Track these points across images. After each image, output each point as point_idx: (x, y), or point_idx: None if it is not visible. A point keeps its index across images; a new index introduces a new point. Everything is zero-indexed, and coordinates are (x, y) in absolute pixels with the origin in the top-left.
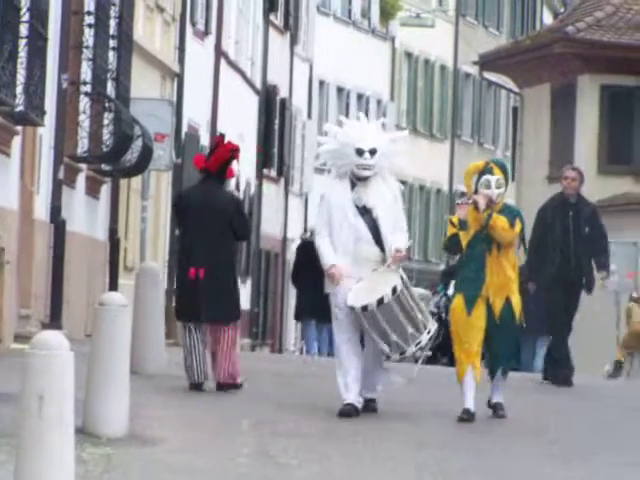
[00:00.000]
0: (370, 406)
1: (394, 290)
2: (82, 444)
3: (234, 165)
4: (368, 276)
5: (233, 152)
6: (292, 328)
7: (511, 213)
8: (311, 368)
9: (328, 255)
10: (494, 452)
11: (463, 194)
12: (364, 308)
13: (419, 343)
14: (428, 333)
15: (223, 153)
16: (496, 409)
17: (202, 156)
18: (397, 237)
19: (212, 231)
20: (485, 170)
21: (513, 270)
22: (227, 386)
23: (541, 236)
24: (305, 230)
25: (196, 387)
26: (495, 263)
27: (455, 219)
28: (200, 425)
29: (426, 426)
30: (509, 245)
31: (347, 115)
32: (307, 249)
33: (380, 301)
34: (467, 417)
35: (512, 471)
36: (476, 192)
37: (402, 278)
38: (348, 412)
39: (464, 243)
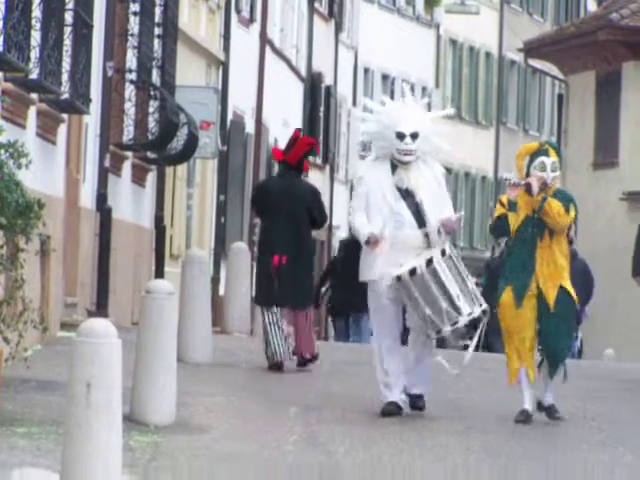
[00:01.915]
0: (417, 403)
1: (443, 252)
2: (129, 432)
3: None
4: (412, 258)
5: (312, 146)
6: None
7: (565, 198)
8: (357, 355)
9: (363, 226)
10: (540, 438)
11: (506, 180)
12: (412, 272)
13: (471, 313)
14: (469, 315)
15: (302, 146)
16: (551, 412)
17: (279, 150)
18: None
19: (293, 220)
20: (540, 152)
21: (565, 259)
22: (309, 361)
23: None
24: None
25: (276, 367)
26: (546, 251)
27: (504, 199)
28: (247, 412)
29: (472, 412)
30: (562, 231)
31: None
32: (345, 249)
33: (429, 262)
34: (524, 419)
35: (559, 456)
36: (527, 175)
37: (444, 252)
38: (391, 411)
39: (513, 227)
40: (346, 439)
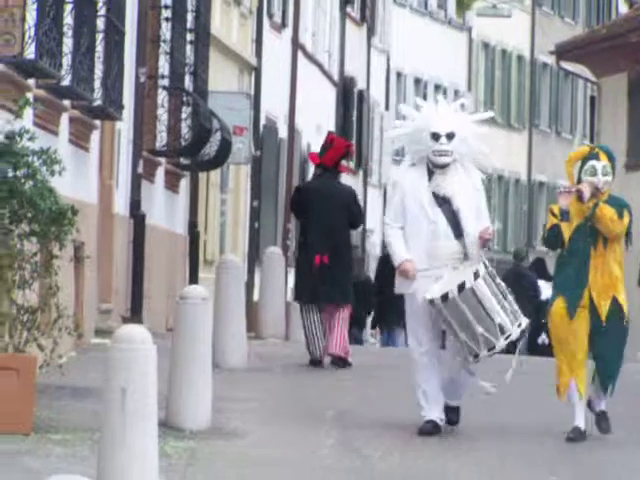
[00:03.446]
0: (451, 417)
1: (476, 275)
2: (165, 438)
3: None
4: (447, 273)
5: (347, 148)
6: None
7: (618, 204)
8: (392, 359)
9: (400, 249)
10: (581, 441)
11: (542, 184)
12: (444, 297)
13: (509, 336)
14: (519, 326)
15: (338, 149)
16: (600, 419)
17: (315, 154)
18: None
19: (333, 220)
20: (590, 156)
21: (620, 267)
22: (341, 361)
23: None
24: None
25: (317, 363)
26: (600, 260)
27: (556, 208)
28: (283, 417)
29: (509, 416)
30: (617, 238)
31: None
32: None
33: (461, 287)
34: (576, 436)
35: (602, 460)
36: (579, 181)
37: (485, 265)
38: (429, 430)
39: (566, 236)
40: (382, 443)
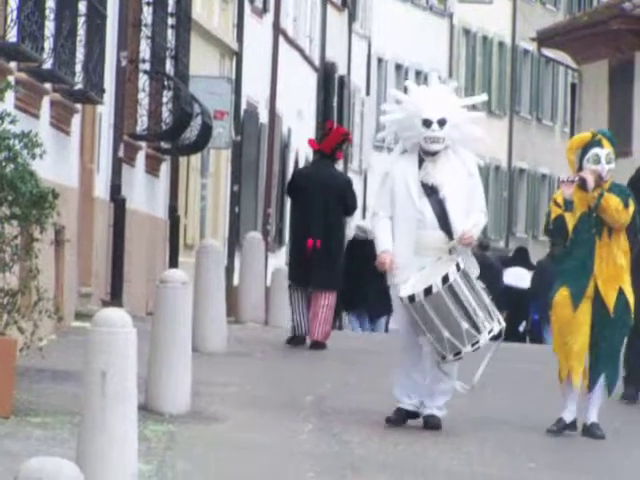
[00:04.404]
0: (431, 422)
1: (445, 279)
2: (144, 421)
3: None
4: (429, 265)
5: (345, 135)
6: None
7: (622, 192)
8: (373, 345)
9: (383, 240)
10: (562, 433)
11: (522, 171)
12: (411, 299)
13: (476, 343)
14: (489, 332)
15: (336, 136)
16: (592, 431)
17: (314, 140)
18: (470, 219)
19: (326, 206)
20: (592, 143)
21: (625, 257)
22: (320, 344)
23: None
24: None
25: (297, 340)
26: (605, 249)
27: (560, 198)
28: (262, 402)
29: (489, 403)
30: (621, 228)
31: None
32: (354, 247)
33: (428, 291)
34: (556, 429)
35: (579, 449)
36: (580, 169)
37: (459, 267)
38: (396, 421)
39: (569, 226)
40: (361, 429)
